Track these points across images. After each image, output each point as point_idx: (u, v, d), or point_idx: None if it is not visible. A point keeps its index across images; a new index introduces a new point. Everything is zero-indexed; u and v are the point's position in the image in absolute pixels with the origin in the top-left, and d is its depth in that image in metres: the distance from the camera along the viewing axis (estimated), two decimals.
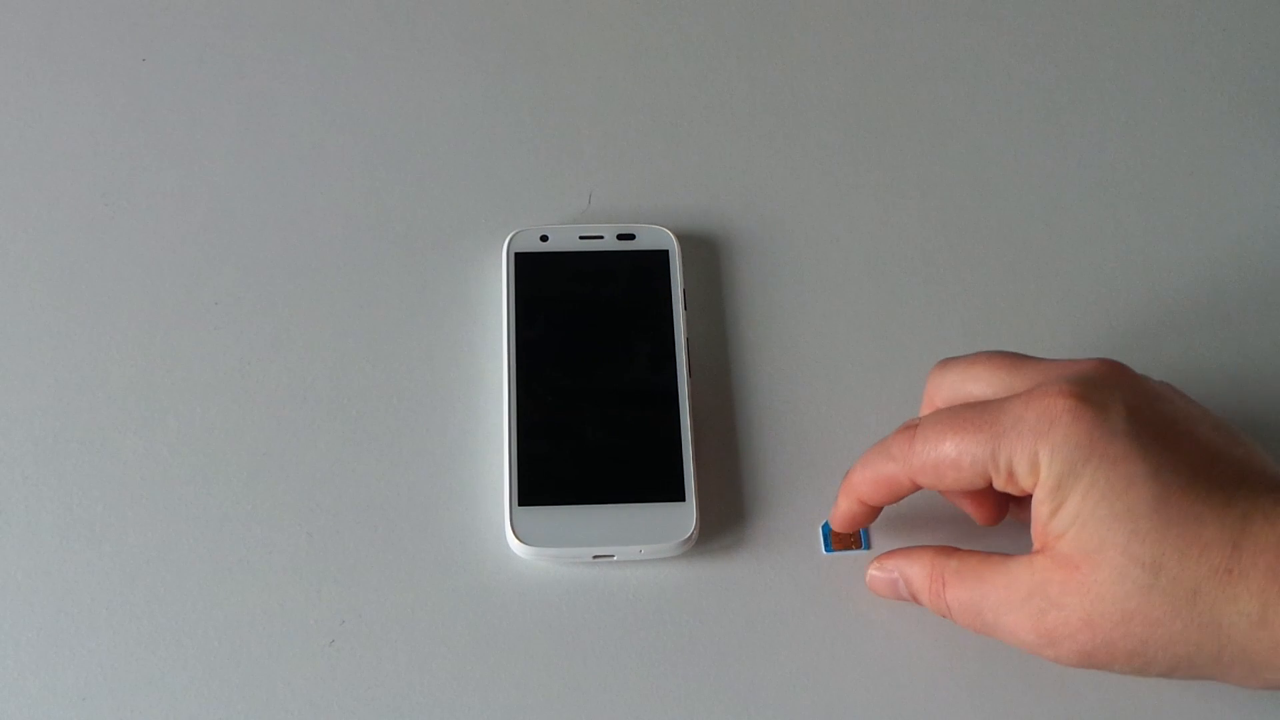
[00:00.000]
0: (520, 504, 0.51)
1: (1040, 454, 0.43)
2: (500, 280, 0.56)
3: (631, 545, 0.51)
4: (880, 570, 0.50)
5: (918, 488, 0.48)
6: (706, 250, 0.59)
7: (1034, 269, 0.59)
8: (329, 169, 0.60)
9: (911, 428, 0.47)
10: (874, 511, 0.50)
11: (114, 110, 0.61)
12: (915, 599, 0.49)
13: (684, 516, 0.51)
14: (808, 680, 0.50)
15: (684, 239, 0.58)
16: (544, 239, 0.57)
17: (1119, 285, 0.58)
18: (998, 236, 0.60)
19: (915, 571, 0.48)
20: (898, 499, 0.49)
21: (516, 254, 0.57)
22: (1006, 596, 0.45)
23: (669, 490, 0.52)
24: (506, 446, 0.52)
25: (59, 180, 0.59)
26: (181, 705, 0.49)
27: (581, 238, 0.57)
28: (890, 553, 0.50)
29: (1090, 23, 0.66)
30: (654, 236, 0.57)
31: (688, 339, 0.55)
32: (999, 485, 0.45)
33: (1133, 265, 0.59)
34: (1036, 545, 0.45)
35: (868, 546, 0.52)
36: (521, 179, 0.60)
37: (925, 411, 0.50)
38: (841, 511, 0.50)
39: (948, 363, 0.49)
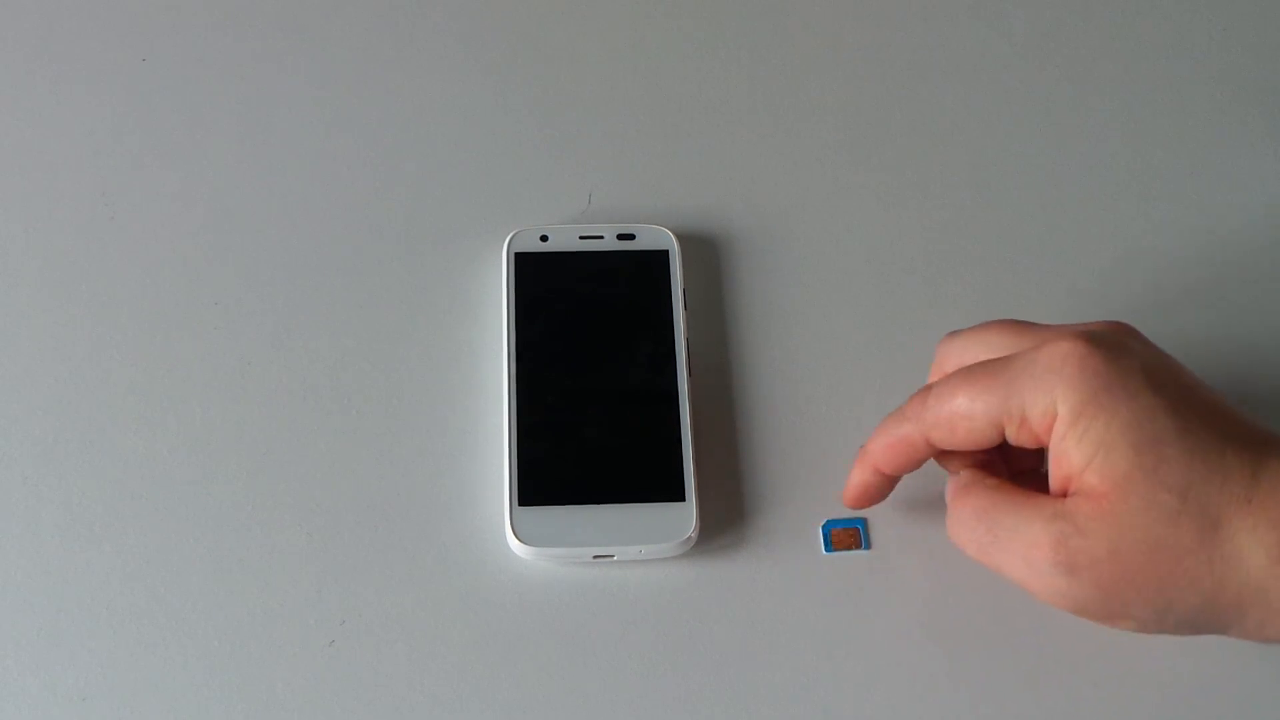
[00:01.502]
0: (520, 504, 0.51)
1: (1056, 391, 0.43)
2: (500, 280, 0.56)
3: (631, 545, 0.51)
4: (951, 478, 0.49)
5: (933, 449, 0.47)
6: (706, 250, 0.59)
7: (1034, 269, 0.59)
8: (329, 169, 0.60)
9: (926, 389, 0.47)
10: (889, 482, 0.50)
11: (114, 110, 0.61)
12: (949, 502, 0.48)
13: (684, 516, 0.51)
14: (808, 680, 0.50)
15: (684, 239, 0.58)
16: (544, 239, 0.57)
17: (1119, 285, 0.58)
18: (998, 236, 0.60)
19: (960, 479, 0.48)
20: (914, 465, 0.48)
21: (516, 254, 0.57)
22: (1029, 515, 0.44)
23: (669, 490, 0.52)
24: (506, 447, 0.52)
25: (59, 180, 0.59)
26: (181, 705, 0.49)
27: (581, 238, 0.57)
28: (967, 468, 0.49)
29: (1090, 23, 0.66)
30: (654, 236, 0.57)
31: (688, 339, 0.55)
32: (1012, 436, 0.45)
33: (1133, 265, 0.59)
34: (1058, 490, 0.44)
35: (868, 547, 0.52)
36: (521, 179, 0.60)
37: (933, 379, 0.50)
38: (855, 483, 0.50)
39: (955, 333, 0.49)
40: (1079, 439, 0.43)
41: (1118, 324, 0.46)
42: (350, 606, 0.51)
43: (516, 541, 0.51)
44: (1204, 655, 0.51)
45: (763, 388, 0.56)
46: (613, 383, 0.54)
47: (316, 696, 0.49)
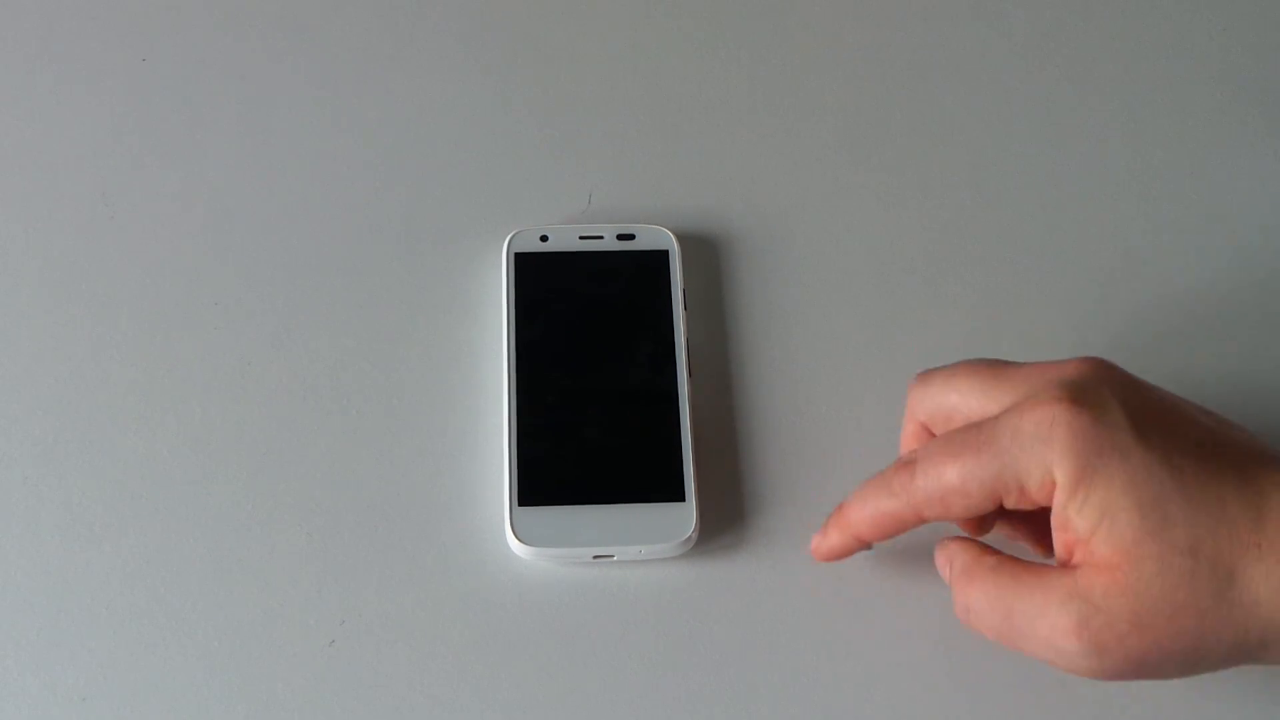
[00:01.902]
0: (520, 504, 0.51)
1: (1050, 460, 0.42)
2: (500, 280, 0.56)
3: (631, 545, 0.51)
4: (941, 551, 0.48)
5: (924, 521, 0.46)
6: (706, 250, 0.59)
7: (1034, 268, 0.59)
8: (329, 169, 0.60)
9: (909, 463, 0.46)
10: (867, 546, 0.49)
11: (114, 110, 0.61)
12: (951, 586, 0.47)
13: (684, 516, 0.51)
14: (808, 680, 0.50)
15: (684, 239, 0.58)
16: (544, 239, 0.57)
17: (1119, 285, 0.58)
18: (998, 236, 0.60)
19: (959, 562, 0.47)
20: (900, 533, 0.48)
21: (516, 254, 0.57)
22: (1043, 600, 0.43)
23: (669, 490, 0.52)
24: (506, 447, 0.52)
25: (59, 180, 0.59)
26: (181, 705, 0.49)
27: (581, 238, 0.57)
28: (954, 537, 0.48)
29: (1090, 23, 0.66)
30: (654, 236, 0.57)
31: (688, 339, 0.55)
32: (1010, 504, 0.44)
33: (1133, 265, 0.59)
34: (1064, 555, 0.44)
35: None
36: (521, 179, 0.60)
37: (907, 427, 0.49)
38: (832, 545, 0.49)
39: (927, 376, 0.48)
40: (1080, 508, 0.42)
41: (1091, 363, 0.44)
42: (350, 606, 0.51)
43: (516, 541, 0.51)
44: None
45: (763, 388, 0.56)
46: (613, 383, 0.54)
47: (316, 696, 0.49)
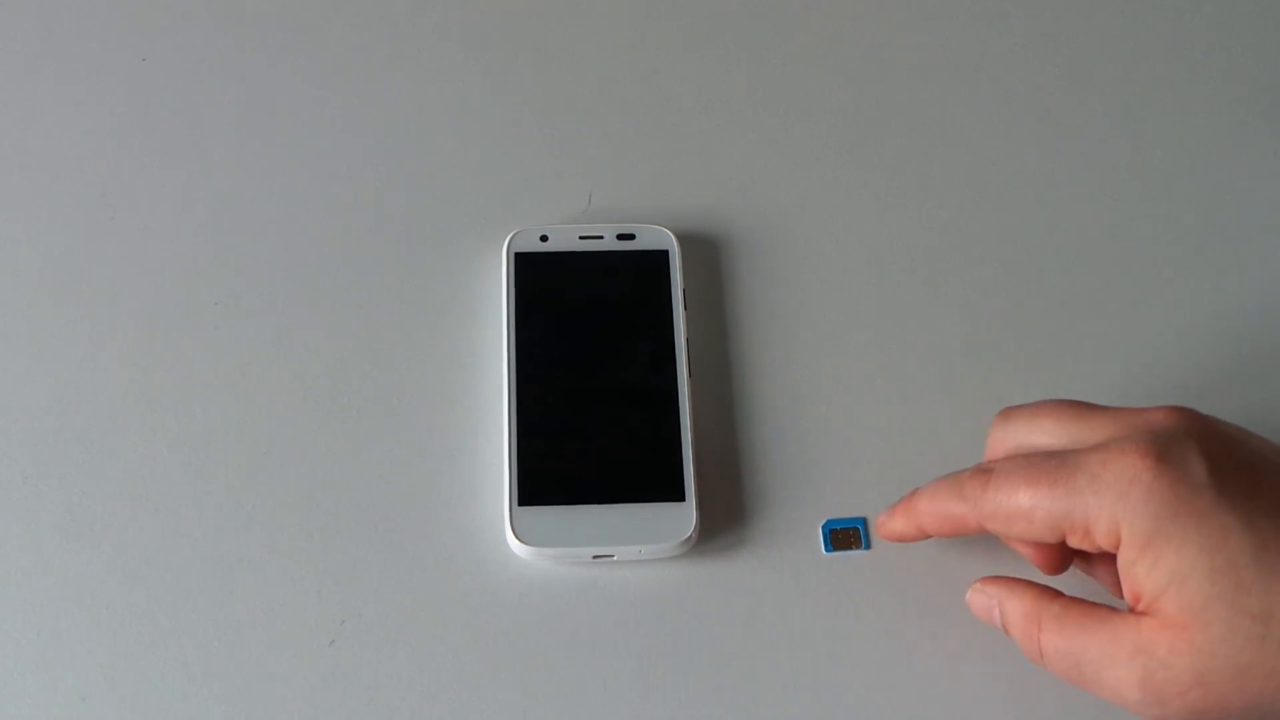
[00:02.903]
0: (520, 504, 0.51)
1: (1121, 515, 0.42)
2: (500, 280, 0.56)
3: (631, 545, 0.51)
4: (980, 594, 0.48)
5: (985, 532, 0.47)
6: (706, 250, 0.59)
7: (1034, 268, 0.59)
8: (329, 169, 0.60)
9: (986, 471, 0.46)
10: (926, 537, 0.50)
11: (114, 110, 0.61)
12: (1007, 632, 0.48)
13: (684, 516, 0.51)
14: (808, 680, 0.50)
15: (684, 239, 0.58)
16: (544, 239, 0.57)
17: (1119, 284, 0.58)
18: (997, 236, 0.60)
19: (1014, 606, 0.47)
20: (961, 535, 0.48)
21: (516, 254, 0.57)
22: (1110, 652, 0.43)
23: (669, 490, 0.52)
24: (506, 446, 0.52)
25: (59, 180, 0.59)
26: (181, 705, 0.49)
27: (581, 238, 0.57)
28: (993, 578, 0.48)
29: (1090, 23, 0.66)
30: (654, 236, 0.57)
31: (688, 339, 0.55)
32: (1073, 543, 0.44)
33: (1132, 264, 0.59)
34: (1131, 603, 0.44)
35: (868, 547, 0.52)
36: (521, 179, 0.60)
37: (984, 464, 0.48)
38: (895, 528, 0.50)
39: (1010, 412, 0.48)
40: (1150, 568, 0.42)
41: (1180, 414, 0.44)
42: (350, 606, 0.51)
43: (516, 541, 0.51)
44: None
45: (763, 388, 0.56)
46: (613, 383, 0.54)
47: (316, 696, 0.49)
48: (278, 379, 0.55)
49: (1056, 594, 0.46)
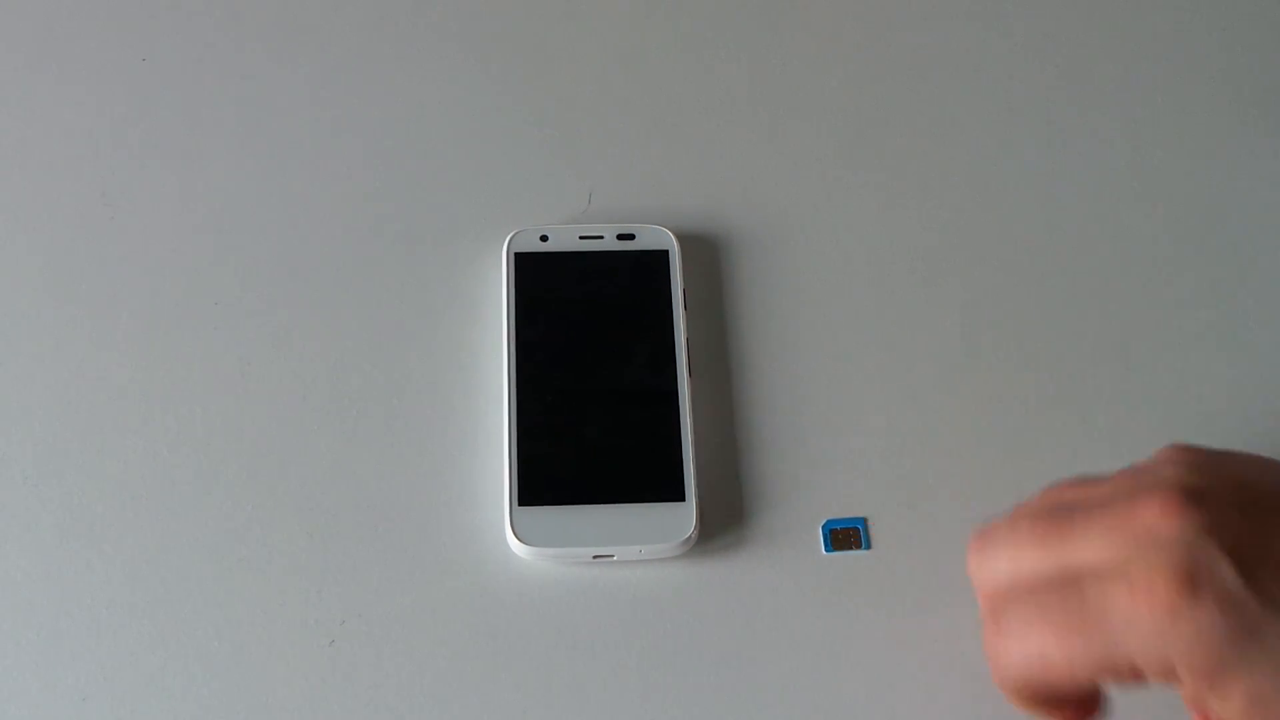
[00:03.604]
0: (520, 504, 0.51)
1: (1173, 654, 0.39)
2: (500, 280, 0.56)
3: (631, 545, 0.51)
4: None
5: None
6: (706, 250, 0.59)
7: (1033, 268, 0.59)
8: (329, 169, 0.60)
9: (1003, 633, 0.42)
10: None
11: (114, 110, 0.61)
12: None
13: (684, 516, 0.51)
14: (808, 680, 0.50)
15: (684, 239, 0.58)
16: (544, 239, 0.57)
17: (1118, 283, 0.58)
18: (997, 236, 0.60)
19: None
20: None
21: (516, 254, 0.57)
22: None
23: (669, 490, 0.52)
24: (506, 446, 0.52)
25: (59, 180, 0.59)
26: (181, 705, 0.49)
27: (581, 238, 0.57)
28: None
29: (1090, 23, 0.66)
30: (654, 236, 0.57)
31: (688, 339, 0.55)
32: (1120, 683, 0.41)
33: (1132, 265, 0.59)
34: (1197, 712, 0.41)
35: (868, 547, 0.52)
36: (521, 179, 0.60)
37: (984, 606, 0.44)
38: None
39: (983, 540, 0.44)
40: (1223, 700, 0.39)
41: (1175, 508, 0.40)
42: (350, 606, 0.51)
43: (516, 541, 0.51)
44: None
45: (763, 388, 0.56)
46: (613, 383, 0.54)
47: (316, 696, 0.49)
48: (278, 379, 0.55)
49: None
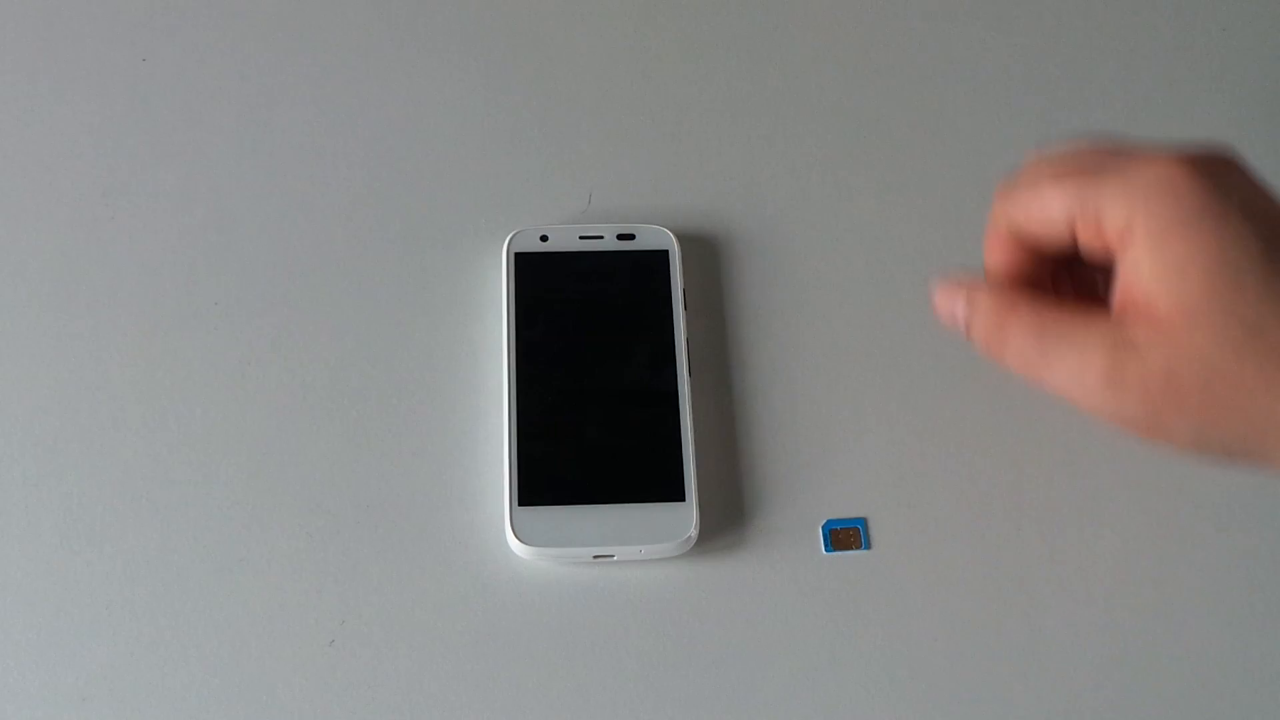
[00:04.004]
0: (520, 504, 0.51)
1: (1138, 206, 0.41)
2: (500, 280, 0.56)
3: (631, 545, 0.51)
4: (949, 292, 0.48)
5: (1006, 222, 0.46)
6: (706, 250, 0.59)
7: None
8: (329, 169, 0.60)
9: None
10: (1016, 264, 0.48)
11: (114, 110, 0.61)
12: (969, 330, 0.47)
13: (684, 516, 0.51)
14: (808, 680, 0.50)
15: (684, 239, 0.58)
16: (544, 239, 0.57)
17: None
18: None
19: (985, 296, 0.46)
20: (1009, 257, 0.47)
21: (516, 254, 0.57)
22: (1083, 338, 0.42)
23: (669, 490, 0.52)
24: (506, 446, 0.52)
25: (59, 180, 0.59)
26: (181, 705, 0.49)
27: (581, 238, 0.57)
28: (977, 281, 0.47)
29: (1090, 23, 0.66)
30: (654, 236, 0.57)
31: (688, 339, 0.55)
32: (1084, 240, 0.43)
33: None
34: (1119, 312, 0.43)
35: (868, 547, 0.52)
36: (521, 179, 0.60)
37: (990, 239, 0.48)
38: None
39: (1010, 190, 0.46)
40: (1154, 259, 0.41)
41: (1221, 150, 0.43)
42: (350, 606, 0.51)
43: (516, 541, 0.51)
44: (1208, 657, 0.51)
45: (763, 388, 0.56)
46: (613, 383, 0.54)
47: (316, 696, 0.49)
48: (278, 379, 0.55)
49: (1029, 290, 0.46)
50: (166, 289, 0.57)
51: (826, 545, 0.52)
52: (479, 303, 0.57)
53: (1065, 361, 0.43)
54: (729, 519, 0.53)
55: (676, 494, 0.52)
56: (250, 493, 0.52)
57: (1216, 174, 0.42)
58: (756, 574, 0.52)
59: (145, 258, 0.57)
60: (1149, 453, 0.55)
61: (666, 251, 0.57)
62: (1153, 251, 0.41)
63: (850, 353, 0.56)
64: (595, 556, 0.51)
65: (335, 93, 0.62)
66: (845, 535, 0.53)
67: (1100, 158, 0.44)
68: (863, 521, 0.53)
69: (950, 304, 0.47)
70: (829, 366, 0.56)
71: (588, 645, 0.50)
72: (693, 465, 0.52)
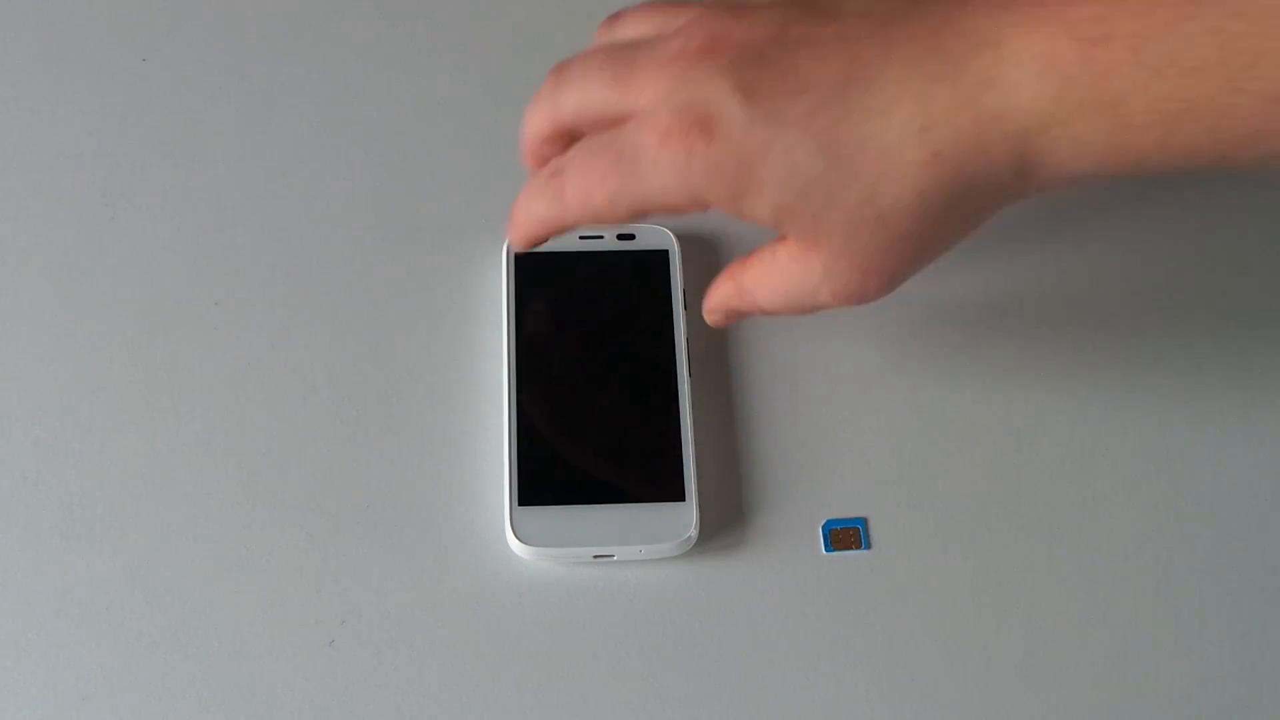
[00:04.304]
0: (520, 504, 0.51)
1: (697, 190, 0.43)
2: (500, 280, 0.56)
3: (631, 545, 0.51)
4: (716, 315, 0.50)
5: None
6: (706, 250, 0.59)
7: (1033, 268, 0.59)
8: (329, 169, 0.60)
9: (559, 174, 0.46)
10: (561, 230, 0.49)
11: (114, 110, 0.61)
12: (739, 308, 0.49)
13: (684, 516, 0.51)
14: (808, 680, 0.50)
15: (684, 239, 0.58)
16: None
17: (1118, 284, 0.58)
18: (997, 236, 0.60)
19: (718, 291, 0.49)
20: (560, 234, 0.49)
21: (517, 254, 0.57)
22: (800, 285, 0.45)
23: (669, 490, 0.52)
24: (506, 446, 0.52)
25: (59, 180, 0.59)
26: (181, 705, 0.49)
27: (581, 238, 0.57)
28: (709, 294, 0.50)
29: None
30: (654, 236, 0.57)
31: (688, 339, 0.55)
32: (662, 214, 0.45)
33: (1132, 264, 0.59)
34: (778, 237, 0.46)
35: (868, 547, 0.52)
36: (522, 179, 0.60)
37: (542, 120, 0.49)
38: (535, 232, 0.49)
39: (559, 83, 0.48)
40: (755, 215, 0.43)
41: (698, 43, 0.43)
42: (350, 606, 0.51)
43: (516, 541, 0.51)
44: (1208, 657, 0.51)
45: (763, 388, 0.56)
46: (612, 383, 0.54)
47: (316, 696, 0.49)
48: (278, 379, 0.55)
49: (743, 260, 0.48)
50: (166, 289, 0.57)
51: (826, 545, 0.52)
52: (479, 303, 0.57)
53: (817, 304, 0.46)
54: (729, 519, 0.53)
55: (676, 494, 0.52)
56: (250, 493, 0.52)
57: (716, 110, 0.42)
58: (756, 574, 0.52)
59: (145, 258, 0.57)
60: (1149, 453, 0.55)
61: (666, 251, 0.57)
62: (747, 213, 0.44)
63: (850, 353, 0.56)
64: (595, 556, 0.51)
65: (335, 93, 0.62)
66: (845, 535, 0.53)
67: (615, 132, 0.45)
68: (863, 521, 0.53)
69: (726, 316, 0.50)
70: (829, 367, 0.56)
71: (587, 645, 0.50)
72: (693, 465, 0.52)
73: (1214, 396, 0.56)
